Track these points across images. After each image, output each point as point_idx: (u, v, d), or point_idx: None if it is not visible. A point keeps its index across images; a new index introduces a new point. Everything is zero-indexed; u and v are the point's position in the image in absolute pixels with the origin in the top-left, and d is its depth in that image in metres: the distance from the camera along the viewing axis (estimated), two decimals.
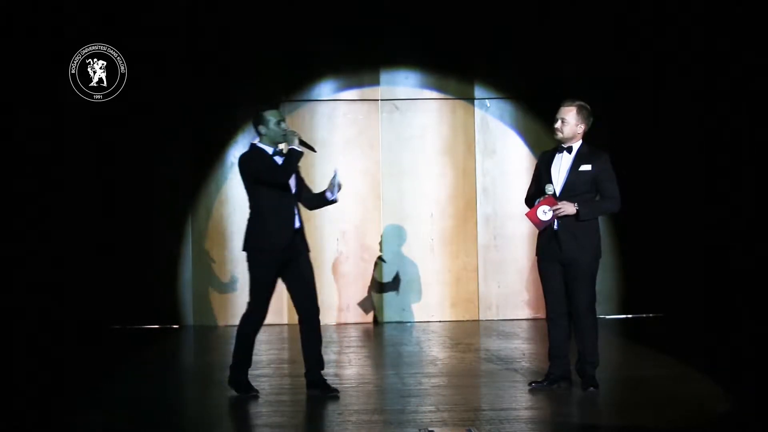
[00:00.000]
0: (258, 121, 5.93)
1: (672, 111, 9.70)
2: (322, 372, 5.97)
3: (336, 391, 5.89)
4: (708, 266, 9.54)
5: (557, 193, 5.82)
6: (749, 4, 8.98)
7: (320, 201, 6.06)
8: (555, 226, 5.84)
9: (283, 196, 5.87)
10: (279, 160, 5.89)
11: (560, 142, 5.90)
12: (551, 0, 9.87)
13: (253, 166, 5.86)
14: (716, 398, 5.68)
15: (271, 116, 5.91)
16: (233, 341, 6.12)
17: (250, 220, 5.95)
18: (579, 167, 5.83)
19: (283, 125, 5.93)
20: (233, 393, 5.96)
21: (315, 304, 5.97)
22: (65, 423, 5.39)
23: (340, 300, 9.92)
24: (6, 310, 8.74)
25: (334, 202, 6.04)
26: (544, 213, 5.79)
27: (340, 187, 5.99)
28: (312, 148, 6.05)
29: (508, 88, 10.07)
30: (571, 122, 5.86)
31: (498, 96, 10.06)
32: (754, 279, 9.09)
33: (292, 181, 5.94)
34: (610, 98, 9.39)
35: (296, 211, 5.94)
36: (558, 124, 5.88)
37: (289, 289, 5.97)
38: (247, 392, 5.90)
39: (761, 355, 7.21)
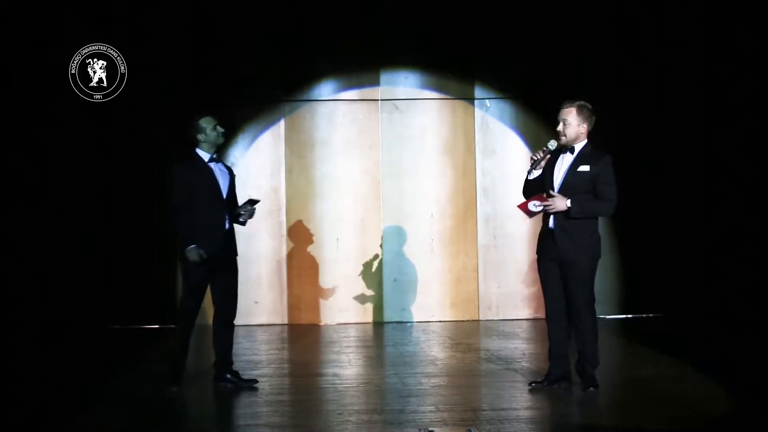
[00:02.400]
0: (195, 130, 6.16)
1: (672, 110, 9.69)
2: (233, 368, 6.26)
3: (254, 381, 6.20)
4: (708, 266, 9.54)
5: (556, 191, 5.81)
6: (750, 2, 8.98)
7: (233, 217, 6.25)
8: (551, 225, 5.83)
9: (213, 200, 6.11)
10: (214, 166, 6.14)
11: (565, 144, 5.86)
12: (551, 0, 9.86)
13: (186, 177, 6.08)
14: (716, 398, 5.68)
15: (206, 123, 6.16)
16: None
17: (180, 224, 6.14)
18: (578, 167, 5.82)
19: (219, 129, 6.19)
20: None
21: (235, 307, 6.28)
22: (65, 423, 5.39)
23: (340, 300, 9.92)
24: (6, 309, 8.74)
25: (242, 224, 6.28)
26: (535, 206, 5.82)
27: (251, 215, 6.24)
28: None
29: (508, 88, 10.07)
30: (573, 123, 5.84)
31: (498, 96, 10.06)
32: (754, 279, 9.09)
33: (224, 187, 6.16)
34: (610, 98, 9.37)
35: (226, 215, 6.16)
36: (560, 127, 5.85)
37: (212, 288, 6.22)
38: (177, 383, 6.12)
39: (761, 355, 7.21)
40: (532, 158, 5.88)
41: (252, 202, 6.23)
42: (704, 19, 9.52)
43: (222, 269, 6.16)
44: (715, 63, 9.55)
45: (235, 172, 6.43)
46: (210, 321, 6.33)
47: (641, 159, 9.44)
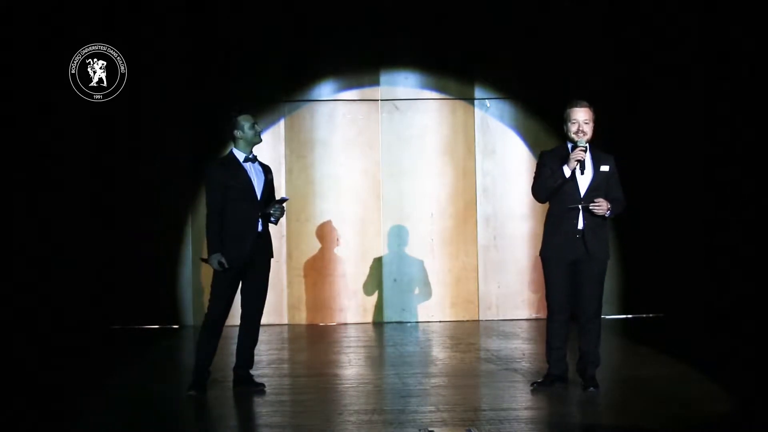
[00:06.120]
0: (232, 127, 6.04)
1: (672, 110, 9.69)
2: (251, 371, 6.17)
3: (262, 385, 6.09)
4: (708, 266, 9.54)
5: (582, 194, 5.78)
6: (749, 3, 8.98)
7: (264, 217, 6.08)
8: (580, 226, 5.79)
9: (246, 201, 5.98)
10: (248, 166, 6.01)
11: (584, 144, 5.75)
12: (551, 0, 9.87)
13: (219, 179, 5.95)
14: (716, 398, 5.68)
15: (244, 120, 6.03)
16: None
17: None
18: (599, 167, 5.84)
19: (257, 127, 6.08)
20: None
21: (261, 308, 6.15)
22: (65, 423, 5.39)
23: (340, 300, 9.92)
24: (6, 309, 8.74)
25: (274, 223, 6.13)
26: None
27: (282, 214, 6.08)
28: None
29: (508, 88, 10.07)
30: (591, 122, 5.82)
31: (498, 96, 10.06)
32: (754, 278, 9.09)
33: (258, 187, 6.03)
34: (610, 98, 9.37)
35: (258, 217, 6.01)
36: (582, 127, 5.77)
37: (242, 289, 6.11)
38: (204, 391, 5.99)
39: (761, 355, 7.21)
40: (577, 160, 5.72)
41: (281, 201, 6.09)
42: (704, 18, 9.52)
43: (253, 269, 6.04)
44: (715, 63, 9.55)
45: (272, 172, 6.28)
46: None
47: (641, 159, 9.42)
